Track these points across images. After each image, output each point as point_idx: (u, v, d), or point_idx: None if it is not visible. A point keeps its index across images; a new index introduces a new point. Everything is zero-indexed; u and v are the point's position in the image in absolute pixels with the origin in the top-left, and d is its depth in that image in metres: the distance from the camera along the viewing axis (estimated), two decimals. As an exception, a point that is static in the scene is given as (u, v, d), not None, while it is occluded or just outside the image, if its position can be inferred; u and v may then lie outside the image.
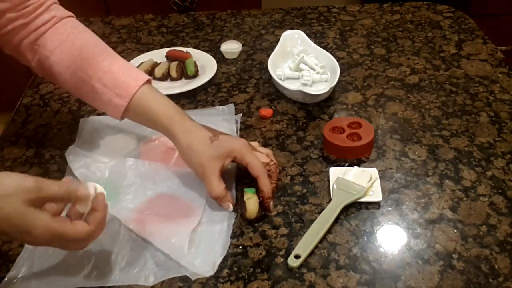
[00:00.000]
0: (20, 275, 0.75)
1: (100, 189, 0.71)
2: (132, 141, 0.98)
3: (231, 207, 0.83)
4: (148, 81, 0.89)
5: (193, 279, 0.73)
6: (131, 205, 0.84)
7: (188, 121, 0.86)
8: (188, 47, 1.27)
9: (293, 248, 0.76)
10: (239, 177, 0.90)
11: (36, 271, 0.75)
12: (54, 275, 0.75)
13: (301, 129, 1.01)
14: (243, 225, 0.81)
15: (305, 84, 1.11)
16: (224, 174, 0.85)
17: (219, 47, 1.25)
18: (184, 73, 1.17)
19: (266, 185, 0.82)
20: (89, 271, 0.75)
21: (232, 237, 0.79)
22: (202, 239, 0.79)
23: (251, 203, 0.82)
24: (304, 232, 0.78)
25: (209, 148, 0.83)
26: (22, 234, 0.64)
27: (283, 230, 0.80)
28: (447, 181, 0.88)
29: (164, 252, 0.77)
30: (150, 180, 0.89)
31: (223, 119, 1.03)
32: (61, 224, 0.66)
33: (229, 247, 0.78)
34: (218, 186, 0.82)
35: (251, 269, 0.74)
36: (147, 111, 0.87)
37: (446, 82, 1.13)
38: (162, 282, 0.73)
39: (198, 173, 0.84)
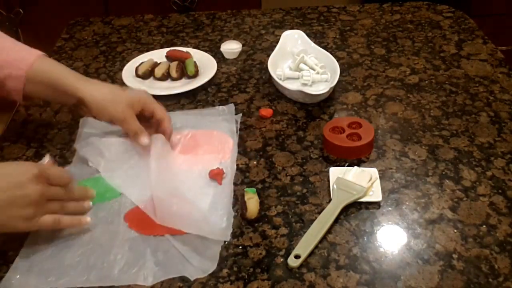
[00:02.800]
0: (18, 275, 0.74)
1: None
2: (132, 141, 0.98)
3: (147, 140, 0.91)
4: (43, 55, 0.93)
5: (191, 279, 0.73)
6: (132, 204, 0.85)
7: (91, 79, 0.93)
8: (188, 47, 1.27)
9: (293, 248, 0.76)
10: (239, 177, 0.90)
11: (34, 271, 0.75)
12: (53, 275, 0.74)
13: (301, 129, 1.01)
14: (243, 225, 0.81)
15: (305, 84, 1.11)
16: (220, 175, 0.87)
17: (219, 47, 1.25)
18: (184, 73, 1.17)
19: (169, 127, 0.95)
20: (88, 270, 0.75)
21: (232, 237, 0.79)
22: (200, 238, 0.78)
23: (252, 203, 0.82)
24: (304, 232, 0.78)
25: (125, 95, 0.91)
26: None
27: (283, 230, 0.80)
28: (447, 181, 0.88)
29: (163, 252, 0.76)
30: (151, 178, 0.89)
31: (223, 119, 1.03)
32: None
33: (229, 247, 0.78)
34: (136, 123, 0.91)
35: (251, 269, 0.74)
36: (49, 74, 0.90)
37: (446, 82, 1.13)
38: (162, 282, 0.73)
39: (118, 118, 0.91)
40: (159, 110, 0.94)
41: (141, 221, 0.82)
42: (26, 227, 0.75)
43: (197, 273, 0.74)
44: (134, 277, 0.74)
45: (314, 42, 1.20)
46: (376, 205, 0.84)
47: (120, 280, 0.73)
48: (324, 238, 0.78)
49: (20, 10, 2.10)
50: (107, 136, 0.98)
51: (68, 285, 0.73)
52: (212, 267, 0.74)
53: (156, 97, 1.09)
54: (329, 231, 0.79)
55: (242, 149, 0.96)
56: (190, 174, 0.90)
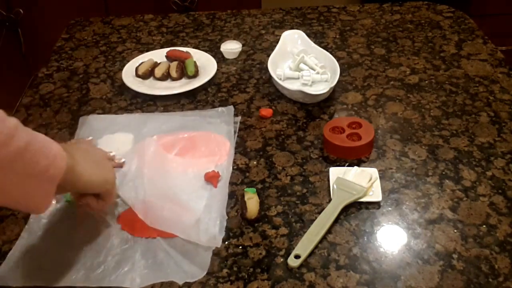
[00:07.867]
0: (8, 272, 0.75)
1: None
2: (129, 141, 0.98)
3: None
4: None
5: (180, 283, 0.72)
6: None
7: None
8: (188, 47, 1.27)
9: (293, 248, 0.76)
10: (239, 177, 0.90)
11: (24, 268, 0.75)
12: (41, 272, 0.75)
13: (301, 129, 1.01)
14: (243, 225, 0.81)
15: (305, 84, 1.11)
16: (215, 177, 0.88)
17: (219, 47, 1.25)
18: (184, 73, 1.17)
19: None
20: (77, 270, 0.75)
21: (232, 237, 0.79)
22: (192, 242, 0.78)
23: (252, 203, 0.82)
24: (304, 232, 0.78)
25: None
26: None
27: (283, 230, 0.80)
28: (447, 181, 0.88)
29: (154, 255, 0.76)
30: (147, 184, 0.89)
31: (221, 121, 1.02)
32: None
33: (229, 247, 0.78)
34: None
35: (251, 269, 0.74)
36: None
37: (446, 82, 1.13)
38: (162, 283, 0.73)
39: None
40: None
41: (134, 223, 0.82)
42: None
43: (186, 278, 0.73)
44: (121, 279, 0.73)
45: (314, 42, 1.20)
46: (376, 205, 0.84)
47: (107, 282, 0.73)
48: (324, 238, 0.78)
49: (20, 10, 2.10)
50: (106, 135, 0.99)
51: (56, 283, 0.73)
52: (202, 273, 0.74)
53: (156, 97, 1.10)
54: (329, 231, 0.79)
55: (242, 149, 0.96)
56: (185, 177, 0.90)
